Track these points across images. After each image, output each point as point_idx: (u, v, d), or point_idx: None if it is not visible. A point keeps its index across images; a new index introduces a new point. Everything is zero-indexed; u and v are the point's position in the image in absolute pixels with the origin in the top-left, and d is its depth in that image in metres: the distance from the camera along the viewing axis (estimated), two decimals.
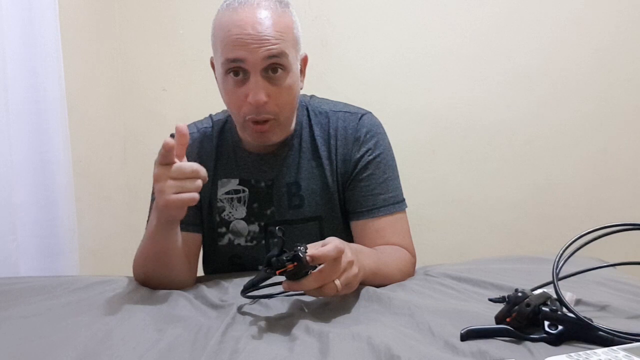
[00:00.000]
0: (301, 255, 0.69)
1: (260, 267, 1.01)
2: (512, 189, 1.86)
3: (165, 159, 0.82)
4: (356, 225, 1.02)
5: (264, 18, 0.90)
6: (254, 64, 0.90)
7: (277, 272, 0.70)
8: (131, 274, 0.99)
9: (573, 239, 0.71)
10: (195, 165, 0.83)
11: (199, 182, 0.83)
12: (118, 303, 0.83)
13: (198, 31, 1.85)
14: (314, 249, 0.71)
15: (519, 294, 0.63)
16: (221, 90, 0.98)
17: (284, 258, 0.70)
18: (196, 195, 0.83)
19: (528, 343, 0.60)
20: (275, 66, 0.91)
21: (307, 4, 1.82)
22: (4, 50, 1.22)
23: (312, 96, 1.11)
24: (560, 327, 0.60)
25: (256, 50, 0.89)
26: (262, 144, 1.00)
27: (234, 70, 0.92)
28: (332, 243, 0.73)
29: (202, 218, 1.05)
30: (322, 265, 0.72)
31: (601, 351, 0.54)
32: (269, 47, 0.89)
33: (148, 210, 1.04)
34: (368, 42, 1.88)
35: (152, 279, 0.94)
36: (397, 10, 1.86)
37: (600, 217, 1.79)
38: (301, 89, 1.02)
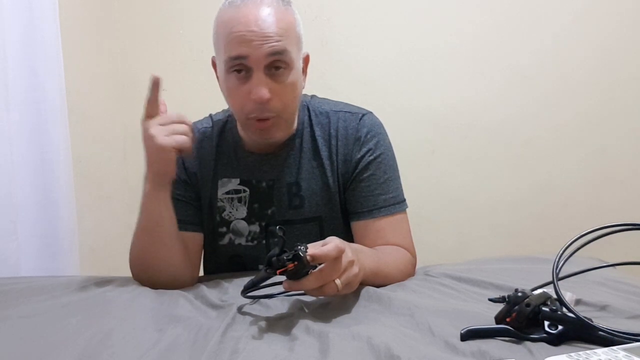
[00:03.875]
0: (302, 255, 0.69)
1: (260, 267, 1.01)
2: (512, 189, 1.86)
3: (150, 110, 0.89)
4: (357, 226, 1.02)
5: (267, 15, 0.90)
6: (257, 61, 0.90)
7: (278, 271, 0.70)
8: (131, 274, 0.99)
9: (573, 239, 0.71)
10: (180, 113, 0.89)
11: (187, 127, 0.89)
12: (118, 303, 0.83)
13: (198, 31, 1.85)
14: (314, 248, 0.71)
15: (519, 294, 0.63)
16: (223, 89, 0.98)
17: (285, 257, 0.70)
18: (187, 139, 0.88)
19: (528, 343, 0.60)
20: (278, 63, 0.91)
21: (307, 4, 1.82)
22: (4, 50, 1.22)
23: (312, 96, 1.11)
24: (560, 327, 0.60)
25: (259, 47, 0.89)
26: (264, 142, 1.00)
27: (237, 67, 0.92)
28: (333, 242, 0.73)
29: (203, 218, 1.05)
30: (322, 265, 0.72)
31: (601, 351, 0.54)
32: (272, 44, 0.89)
33: None
34: (368, 42, 1.87)
35: (148, 260, 0.94)
36: (397, 10, 1.86)
37: (600, 217, 1.78)
38: (303, 88, 1.01)
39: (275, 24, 0.90)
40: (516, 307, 0.62)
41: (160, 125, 0.88)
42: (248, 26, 0.89)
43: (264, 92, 0.90)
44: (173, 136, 0.87)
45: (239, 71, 0.92)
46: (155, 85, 0.89)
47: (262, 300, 0.82)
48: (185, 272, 0.97)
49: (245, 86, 0.92)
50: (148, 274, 0.94)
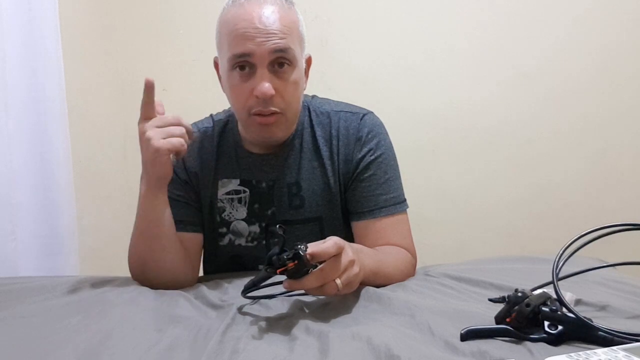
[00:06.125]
0: (301, 253, 0.69)
1: (260, 267, 1.01)
2: (512, 189, 1.86)
3: (147, 112, 0.89)
4: (357, 226, 1.02)
5: (271, 13, 0.90)
6: (260, 57, 0.90)
7: (278, 270, 0.70)
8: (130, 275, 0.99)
9: (573, 239, 0.71)
10: (176, 114, 0.89)
11: (183, 129, 0.88)
12: (118, 303, 0.83)
13: (198, 31, 1.86)
14: (313, 246, 0.71)
15: (519, 294, 0.63)
16: (226, 88, 0.98)
17: (285, 256, 0.70)
18: (183, 142, 0.88)
19: (528, 343, 0.60)
20: (281, 60, 0.92)
21: (307, 3, 1.81)
22: (4, 50, 1.22)
23: (313, 96, 1.10)
24: (560, 327, 0.60)
25: (263, 43, 0.89)
26: (266, 140, 1.00)
27: (240, 64, 0.92)
28: (332, 240, 0.73)
29: (203, 218, 1.05)
30: (323, 264, 0.72)
31: (601, 351, 0.54)
32: (275, 41, 0.90)
33: None
34: (368, 42, 1.87)
35: (147, 263, 0.94)
36: (397, 10, 1.86)
37: (600, 217, 1.78)
38: (304, 89, 1.01)
39: (279, 21, 0.90)
40: (516, 307, 0.62)
41: (157, 127, 0.87)
42: (252, 23, 0.89)
43: (268, 88, 0.90)
44: (169, 139, 0.86)
45: (242, 68, 0.92)
46: (149, 88, 0.89)
47: (262, 300, 0.82)
48: (184, 273, 0.97)
49: (249, 83, 0.92)
50: (147, 276, 0.94)
